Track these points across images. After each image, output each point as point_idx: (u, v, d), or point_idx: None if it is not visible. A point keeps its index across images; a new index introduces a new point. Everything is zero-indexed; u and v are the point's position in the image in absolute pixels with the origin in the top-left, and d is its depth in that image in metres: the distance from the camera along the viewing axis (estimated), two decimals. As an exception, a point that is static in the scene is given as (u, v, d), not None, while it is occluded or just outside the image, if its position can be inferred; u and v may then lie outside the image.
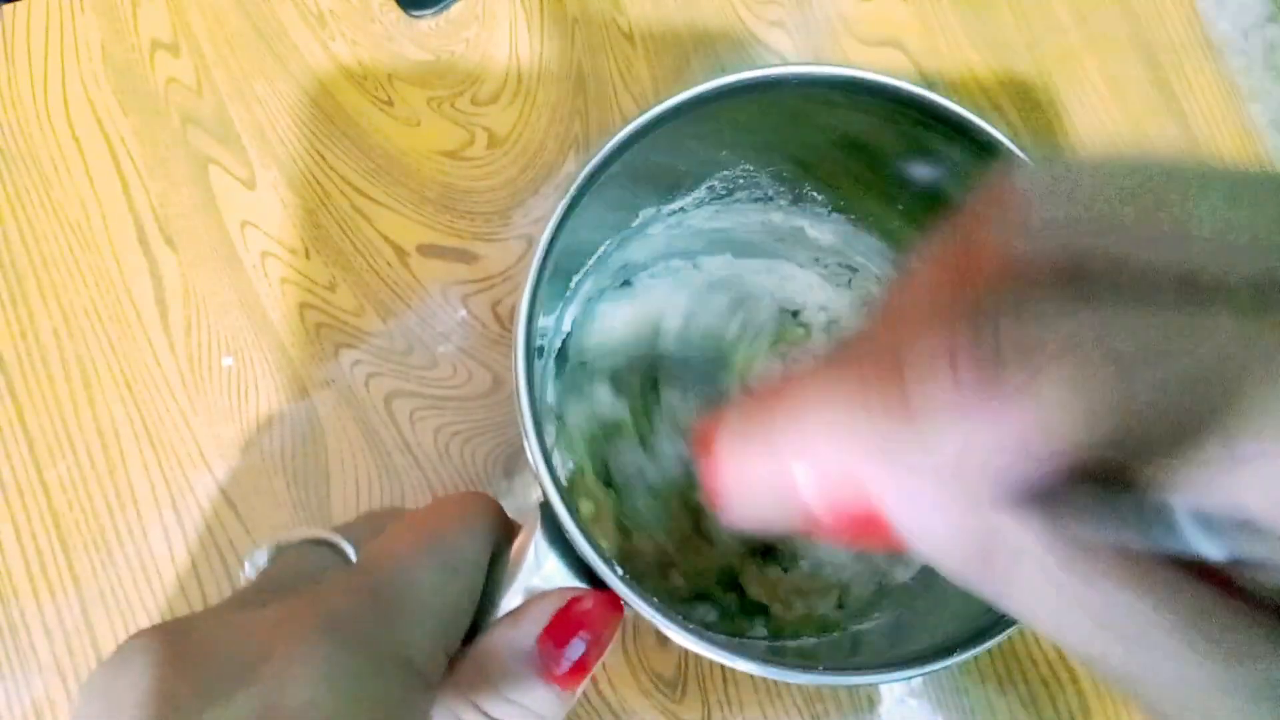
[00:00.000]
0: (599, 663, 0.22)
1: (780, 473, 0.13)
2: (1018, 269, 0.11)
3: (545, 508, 0.22)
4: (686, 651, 0.36)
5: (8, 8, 0.40)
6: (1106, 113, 0.42)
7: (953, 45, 0.42)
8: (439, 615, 0.20)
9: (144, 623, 0.35)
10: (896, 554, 0.31)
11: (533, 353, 0.22)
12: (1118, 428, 0.10)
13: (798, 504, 0.13)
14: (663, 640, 0.36)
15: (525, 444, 0.22)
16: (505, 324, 0.38)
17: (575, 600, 0.22)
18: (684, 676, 0.35)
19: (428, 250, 0.38)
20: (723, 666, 0.36)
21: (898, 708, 0.36)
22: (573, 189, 0.23)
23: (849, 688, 0.35)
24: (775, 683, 0.35)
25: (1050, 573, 0.11)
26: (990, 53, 0.42)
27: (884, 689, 0.36)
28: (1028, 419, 0.10)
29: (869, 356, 0.12)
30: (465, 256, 0.39)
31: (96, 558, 0.35)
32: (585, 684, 0.22)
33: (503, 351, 0.38)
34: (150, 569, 0.35)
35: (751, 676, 0.36)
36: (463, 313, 0.38)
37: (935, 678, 0.36)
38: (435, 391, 0.37)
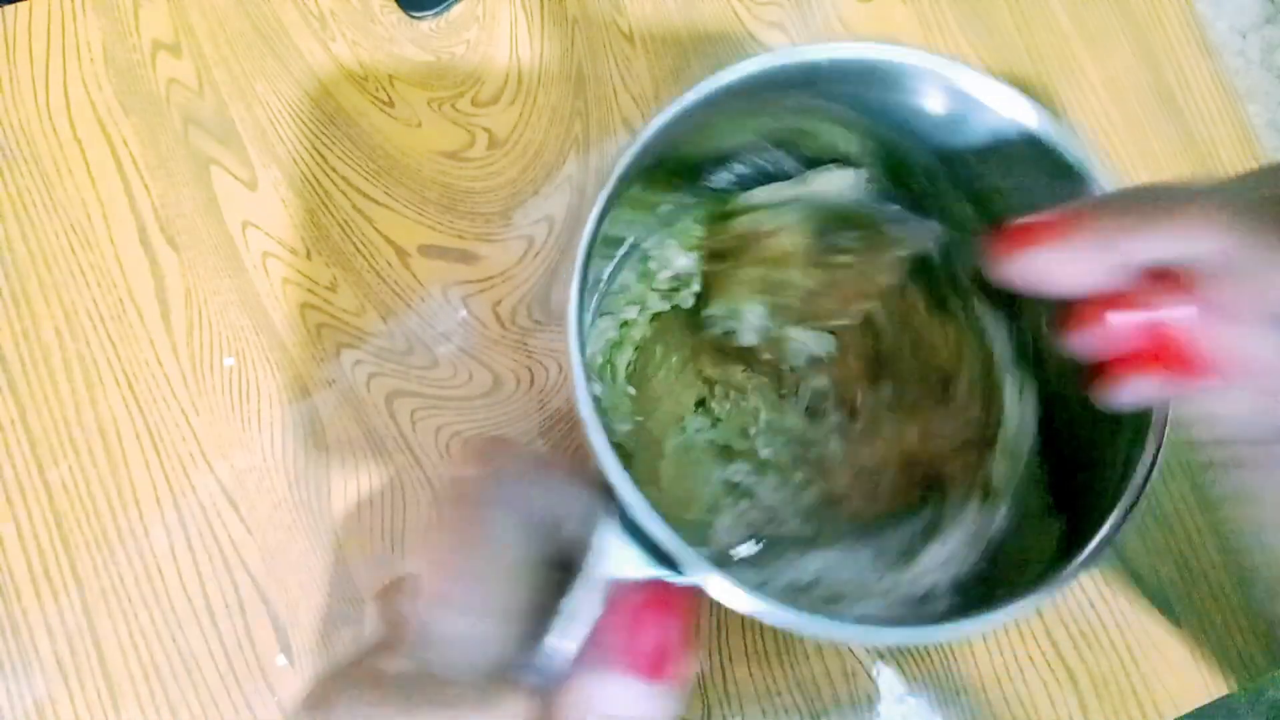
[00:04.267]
0: (686, 645, 0.20)
1: (1111, 267, 0.19)
2: None
3: (608, 493, 0.21)
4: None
5: (9, 8, 0.40)
6: (1105, 114, 0.42)
7: (951, 46, 0.42)
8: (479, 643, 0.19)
9: (146, 622, 0.35)
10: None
11: (585, 348, 0.21)
12: None
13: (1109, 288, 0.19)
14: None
15: (588, 438, 0.21)
16: (505, 324, 0.38)
17: (636, 608, 0.20)
18: (684, 675, 0.35)
19: (428, 251, 0.39)
20: (723, 666, 0.36)
21: (897, 706, 0.36)
22: (613, 179, 0.22)
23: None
24: (774, 681, 0.36)
25: None
26: (989, 54, 0.42)
27: (883, 688, 0.36)
28: None
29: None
30: (466, 257, 0.39)
31: (98, 557, 0.35)
32: (686, 671, 0.20)
33: (503, 351, 0.38)
34: (152, 568, 0.35)
35: (750, 675, 0.36)
36: (463, 313, 0.38)
37: (934, 676, 0.36)
38: (436, 391, 0.37)
